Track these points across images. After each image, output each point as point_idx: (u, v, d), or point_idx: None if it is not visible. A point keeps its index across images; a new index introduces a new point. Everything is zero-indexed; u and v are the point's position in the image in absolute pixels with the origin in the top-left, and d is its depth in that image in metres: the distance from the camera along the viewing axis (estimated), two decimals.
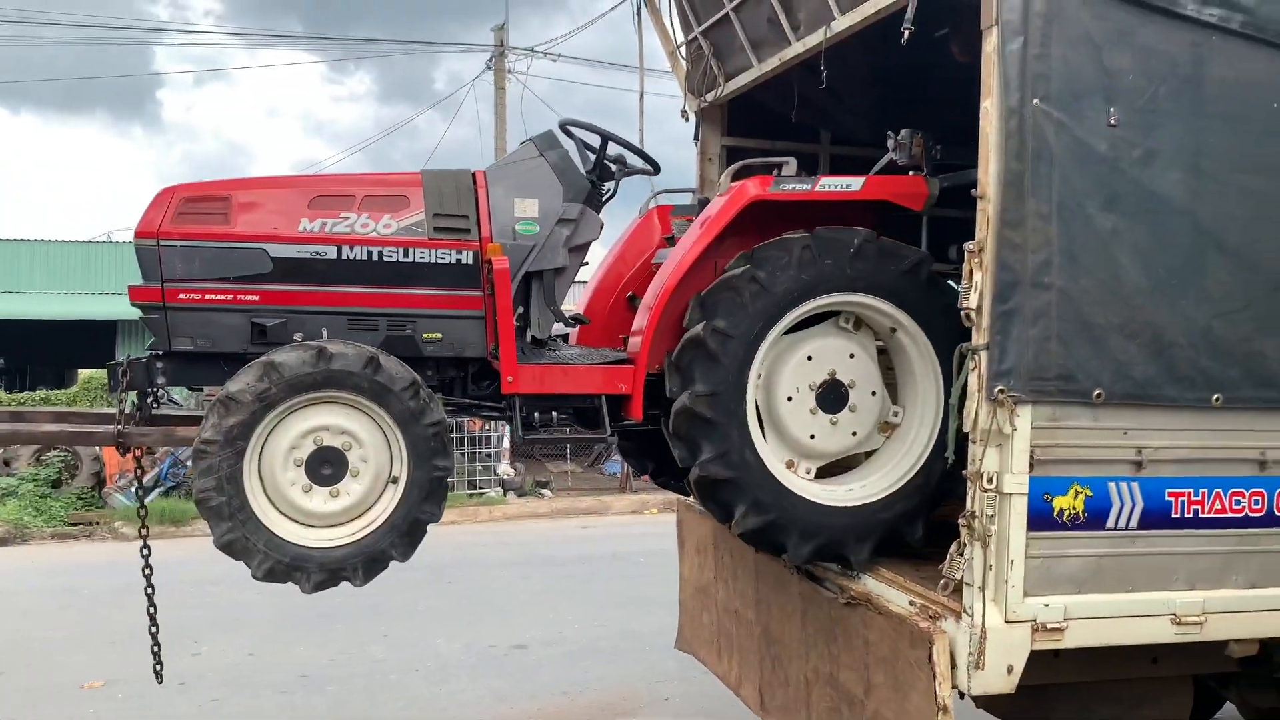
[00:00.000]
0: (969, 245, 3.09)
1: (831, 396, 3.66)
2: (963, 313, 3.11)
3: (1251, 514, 3.38)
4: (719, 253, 3.72)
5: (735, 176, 3.92)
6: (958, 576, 3.12)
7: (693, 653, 5.39)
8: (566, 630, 8.06)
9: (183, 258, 3.43)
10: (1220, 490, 3.35)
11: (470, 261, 3.62)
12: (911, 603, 3.39)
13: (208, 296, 3.43)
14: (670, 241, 4.34)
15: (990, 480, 3.08)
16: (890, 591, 3.53)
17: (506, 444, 16.43)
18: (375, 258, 3.55)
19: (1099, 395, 3.16)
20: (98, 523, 12.70)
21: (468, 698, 6.51)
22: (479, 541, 11.96)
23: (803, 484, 3.65)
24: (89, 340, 22.10)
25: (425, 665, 7.18)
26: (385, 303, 3.57)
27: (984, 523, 3.07)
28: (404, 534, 3.35)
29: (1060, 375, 3.12)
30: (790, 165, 3.97)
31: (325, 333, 3.45)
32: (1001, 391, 3.04)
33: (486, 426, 15.10)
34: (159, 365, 3.54)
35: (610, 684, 6.77)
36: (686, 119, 5.26)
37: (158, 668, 4.00)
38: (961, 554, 3.14)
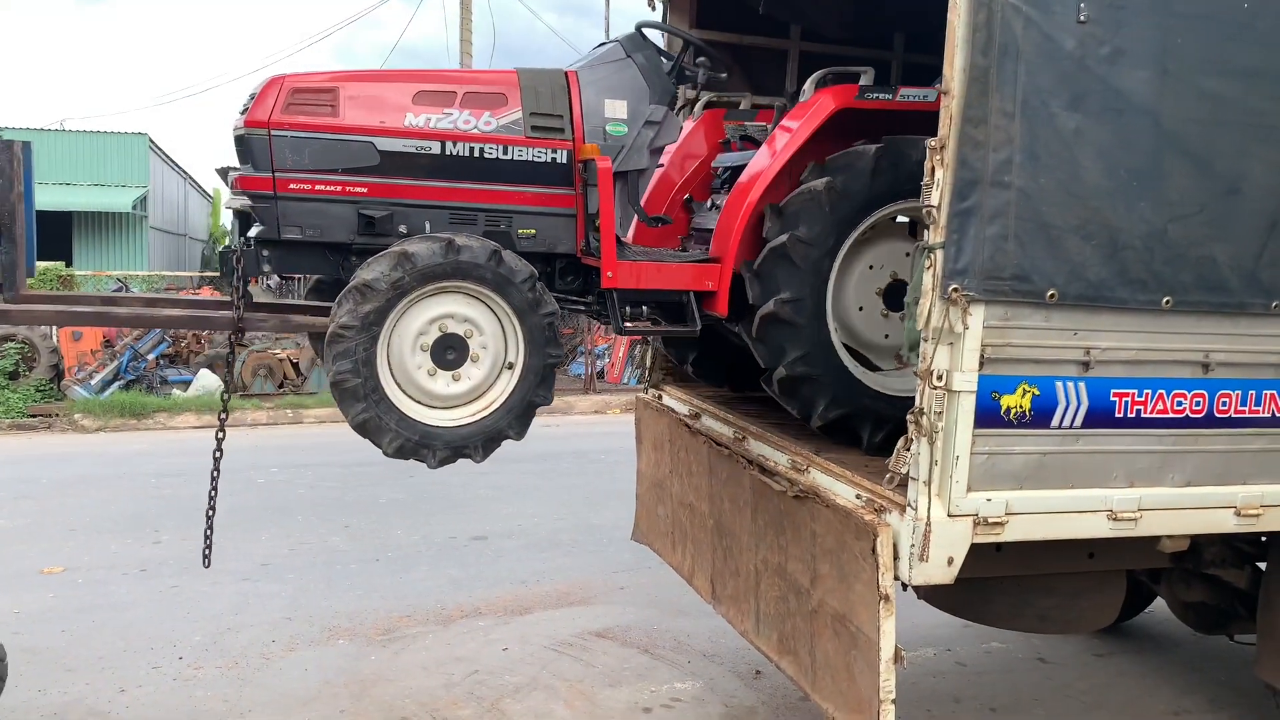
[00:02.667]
0: (930, 141, 3.07)
1: (895, 295, 3.92)
2: (923, 210, 3.10)
3: (1192, 414, 3.46)
4: (792, 159, 3.83)
5: (817, 84, 3.98)
6: (904, 471, 3.19)
7: (648, 544, 5.51)
8: (526, 523, 8.18)
9: (293, 148, 3.49)
10: (1164, 391, 3.42)
11: (564, 161, 3.75)
12: (858, 496, 3.46)
13: (317, 187, 3.51)
14: (725, 146, 4.45)
15: (940, 378, 3.12)
16: (838, 485, 3.61)
17: None
18: (476, 154, 3.65)
19: (1052, 296, 3.18)
20: (57, 414, 12.59)
21: (427, 586, 6.63)
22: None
23: (877, 379, 3.90)
24: (42, 232, 21.52)
25: (385, 555, 7.29)
26: (484, 198, 3.69)
27: (931, 419, 3.12)
28: (520, 415, 3.53)
29: (1015, 275, 3.13)
30: (869, 75, 3.97)
31: (428, 225, 3.60)
32: (955, 290, 3.06)
33: None
34: (265, 254, 3.61)
35: (567, 574, 6.92)
36: (654, 8, 5.12)
37: (206, 552, 4.18)
38: (908, 449, 3.19)
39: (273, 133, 3.48)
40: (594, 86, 3.81)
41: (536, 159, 3.71)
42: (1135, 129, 3.24)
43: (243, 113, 3.56)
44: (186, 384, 14.14)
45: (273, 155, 3.48)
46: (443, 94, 3.65)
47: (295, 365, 14.67)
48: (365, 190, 3.56)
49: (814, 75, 4.01)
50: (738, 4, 5.00)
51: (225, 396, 4.11)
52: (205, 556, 4.20)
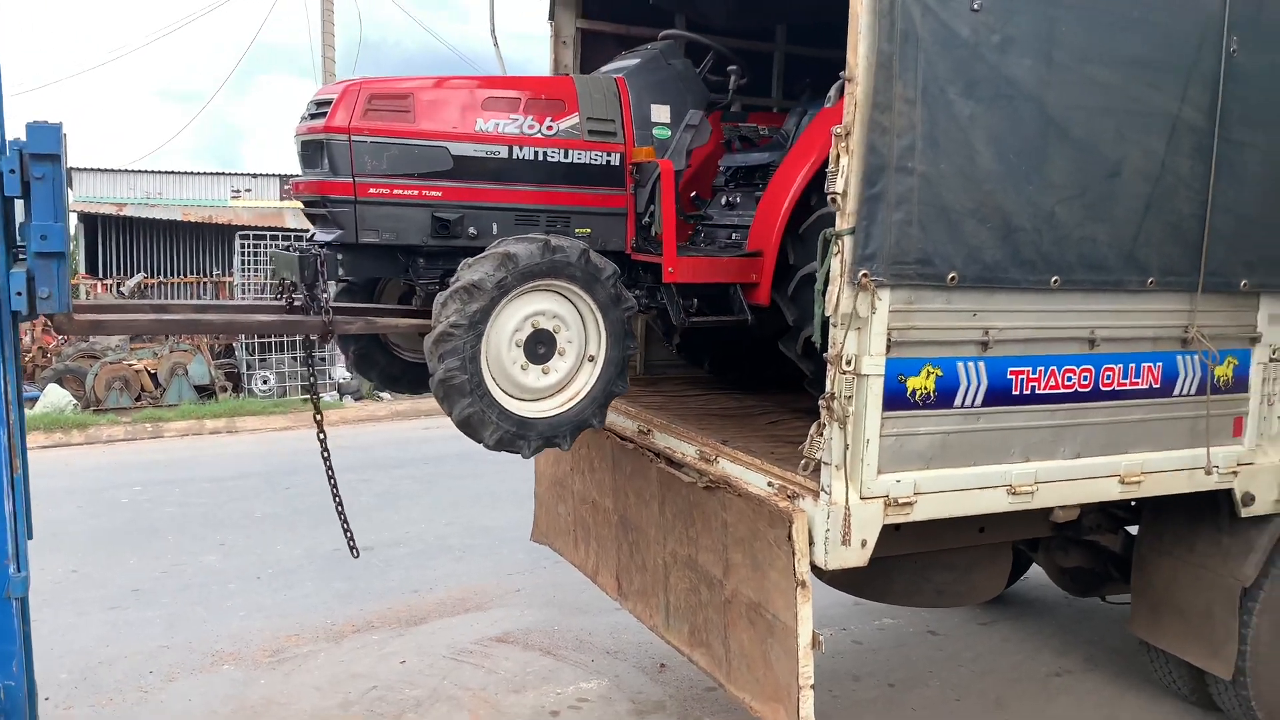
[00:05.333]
0: (836, 129, 3.09)
1: None
2: (829, 197, 3.12)
3: (1080, 389, 3.61)
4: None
5: (842, 90, 3.99)
6: (818, 456, 3.21)
7: (549, 544, 5.41)
8: (413, 530, 7.95)
9: (372, 153, 3.58)
10: (1055, 367, 3.55)
11: (617, 163, 3.96)
12: (770, 484, 3.47)
13: (395, 191, 3.61)
14: (728, 147, 4.65)
15: (849, 363, 3.15)
16: (749, 474, 3.61)
17: (340, 350, 15.86)
18: (540, 158, 3.82)
19: (953, 278, 3.26)
20: None
21: (314, 602, 6.35)
22: (316, 447, 11.55)
23: None
24: None
25: (266, 572, 6.95)
26: (545, 200, 3.85)
27: (842, 404, 3.15)
28: (601, 404, 3.65)
29: (919, 259, 3.19)
30: None
31: (495, 227, 3.75)
32: (865, 276, 3.10)
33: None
34: (340, 257, 3.67)
35: (461, 580, 6.75)
36: None
37: (351, 543, 4.45)
38: (821, 434, 3.21)
39: (353, 138, 3.55)
40: (639, 92, 4.02)
41: (593, 161, 3.92)
42: (1024, 115, 3.35)
43: (314, 117, 3.65)
44: (33, 400, 13.20)
45: (353, 160, 3.55)
46: (509, 100, 3.80)
47: (153, 376, 13.89)
48: (440, 194, 3.67)
49: (838, 81, 4.06)
50: None
51: (316, 398, 4.15)
52: (352, 548, 4.46)
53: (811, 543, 3.25)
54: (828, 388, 3.18)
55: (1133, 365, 3.71)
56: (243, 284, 15.39)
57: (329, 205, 3.61)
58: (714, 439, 3.96)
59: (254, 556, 7.25)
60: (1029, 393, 3.51)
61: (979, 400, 3.41)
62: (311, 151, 3.68)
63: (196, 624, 5.98)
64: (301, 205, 3.90)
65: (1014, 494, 3.51)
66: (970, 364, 3.38)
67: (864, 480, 3.21)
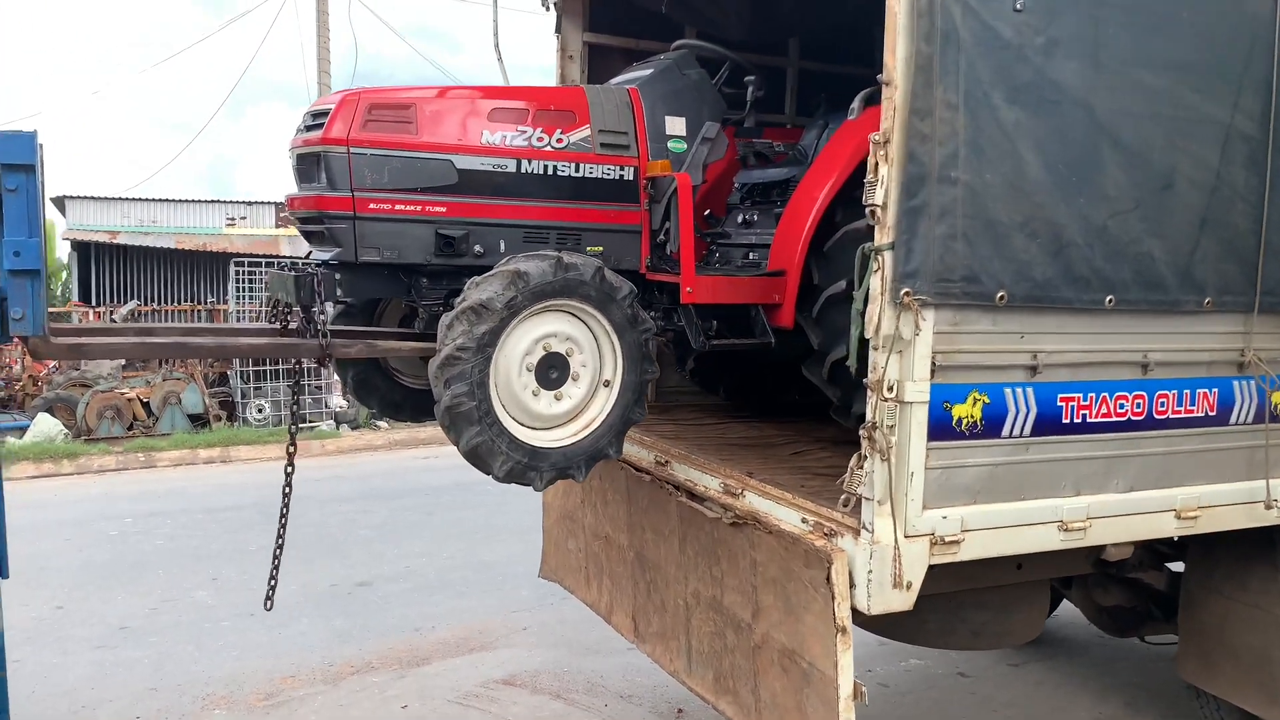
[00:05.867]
0: (875, 136, 2.86)
1: None
2: (867, 210, 2.89)
3: (1134, 417, 3.36)
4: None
5: (865, 102, 3.93)
6: (859, 491, 2.95)
7: (558, 581, 5.14)
8: (413, 564, 7.67)
9: (372, 166, 3.38)
10: (1106, 394, 3.31)
11: (631, 177, 3.76)
12: (804, 520, 3.21)
13: (397, 207, 3.41)
14: (743, 162, 4.39)
15: (890, 389, 2.91)
16: (779, 509, 3.35)
17: (337, 375, 15.61)
18: (550, 172, 3.63)
19: (1001, 298, 3.02)
20: None
21: (311, 640, 6.07)
22: (312, 477, 11.26)
23: None
24: None
25: (261, 608, 6.63)
26: (556, 216, 3.65)
27: (884, 434, 2.91)
28: (619, 433, 3.43)
29: (965, 277, 2.96)
30: None
31: (503, 245, 3.54)
32: (907, 294, 2.86)
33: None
34: (338, 277, 3.47)
35: (464, 617, 6.47)
36: (547, 8, 4.82)
37: (270, 593, 4.10)
38: (861, 467, 2.96)
39: (352, 150, 3.35)
40: (653, 103, 3.82)
41: (605, 176, 3.71)
42: (1072, 121, 3.13)
43: (310, 129, 3.45)
44: (22, 430, 12.92)
45: (352, 174, 3.35)
46: (516, 111, 3.60)
47: (145, 404, 13.62)
48: (444, 210, 3.48)
49: (862, 93, 3.93)
50: (635, 6, 4.76)
51: (294, 429, 3.86)
52: (268, 598, 4.11)
53: (852, 585, 2.99)
54: (868, 416, 2.93)
55: (1187, 392, 3.47)
56: (238, 311, 15.16)
57: (326, 222, 3.40)
58: (738, 471, 3.70)
59: (248, 592, 6.97)
60: (1080, 421, 3.26)
61: (1028, 429, 3.16)
62: (308, 165, 3.47)
63: (187, 664, 5.70)
64: (297, 223, 3.67)
65: (1066, 531, 3.26)
66: (1019, 390, 3.13)
67: (908, 517, 2.95)
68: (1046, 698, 5.29)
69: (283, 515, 3.96)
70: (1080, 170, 3.16)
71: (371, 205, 3.38)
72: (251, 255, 16.27)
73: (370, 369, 4.07)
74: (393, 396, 4.15)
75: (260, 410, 14.45)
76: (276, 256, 16.78)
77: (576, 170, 3.66)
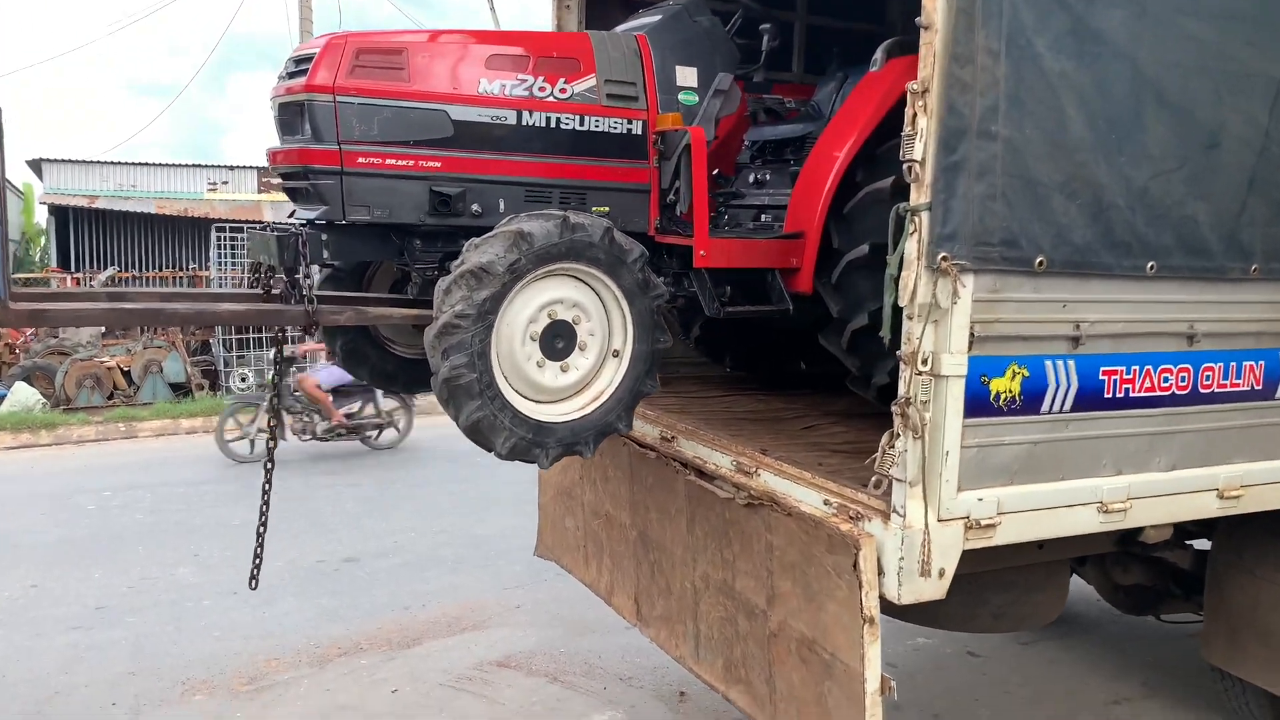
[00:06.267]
0: (912, 85, 2.61)
1: None
2: (904, 167, 2.64)
3: (1178, 391, 3.15)
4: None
5: (888, 53, 3.67)
6: (890, 472, 2.73)
7: (555, 559, 4.92)
8: (402, 539, 7.45)
9: (361, 117, 3.13)
10: (1150, 367, 3.09)
11: (640, 132, 3.51)
12: (826, 502, 2.99)
13: (388, 161, 3.17)
14: (753, 119, 4.15)
15: (925, 361, 2.68)
16: (799, 490, 3.13)
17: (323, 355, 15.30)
18: (553, 125, 3.38)
19: (1041, 263, 2.79)
20: None
21: (297, 620, 5.85)
22: (297, 447, 11.04)
23: None
24: None
25: (244, 587, 6.40)
26: (559, 173, 3.42)
27: (919, 410, 2.68)
28: (629, 406, 3.23)
29: (1004, 240, 2.73)
30: None
31: (502, 204, 3.32)
32: (945, 259, 2.62)
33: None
34: (324, 238, 3.24)
35: (455, 595, 6.25)
36: None
37: (254, 571, 3.92)
38: (893, 446, 2.74)
39: (339, 99, 3.10)
40: (663, 52, 3.57)
41: (612, 129, 3.46)
42: (1115, 74, 2.89)
43: (293, 76, 3.21)
44: (0, 399, 12.60)
45: (339, 125, 3.10)
46: (515, 58, 3.35)
47: (126, 373, 13.31)
48: (439, 165, 3.24)
49: (884, 44, 3.67)
50: None
51: (275, 401, 3.66)
52: (253, 577, 3.94)
53: (880, 572, 2.78)
54: (901, 391, 2.70)
55: (1234, 364, 3.25)
56: (219, 278, 14.80)
57: (311, 177, 3.15)
58: (751, 448, 3.48)
59: (231, 569, 6.74)
60: (1122, 396, 3.04)
61: (1068, 405, 2.94)
62: (290, 115, 3.21)
63: (166, 647, 5.47)
64: (279, 179, 3.41)
65: (1105, 512, 3.05)
66: (1059, 363, 2.91)
67: (942, 499, 2.73)
68: (1060, 678, 5.13)
69: (265, 491, 3.78)
70: (1122, 127, 2.92)
71: (360, 159, 3.14)
72: (234, 221, 15.88)
73: (360, 338, 3.84)
74: (384, 367, 3.92)
75: (244, 379, 14.13)
76: (259, 222, 16.38)
77: (581, 123, 3.41)
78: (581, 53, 3.44)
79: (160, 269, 19.32)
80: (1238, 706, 4.38)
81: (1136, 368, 3.06)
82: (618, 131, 3.47)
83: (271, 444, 3.65)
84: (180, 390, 13.71)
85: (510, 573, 6.58)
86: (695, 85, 3.61)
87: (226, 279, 14.66)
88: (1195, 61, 3.03)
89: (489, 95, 3.28)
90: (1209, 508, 3.30)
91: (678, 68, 3.58)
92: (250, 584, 3.91)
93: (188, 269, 18.86)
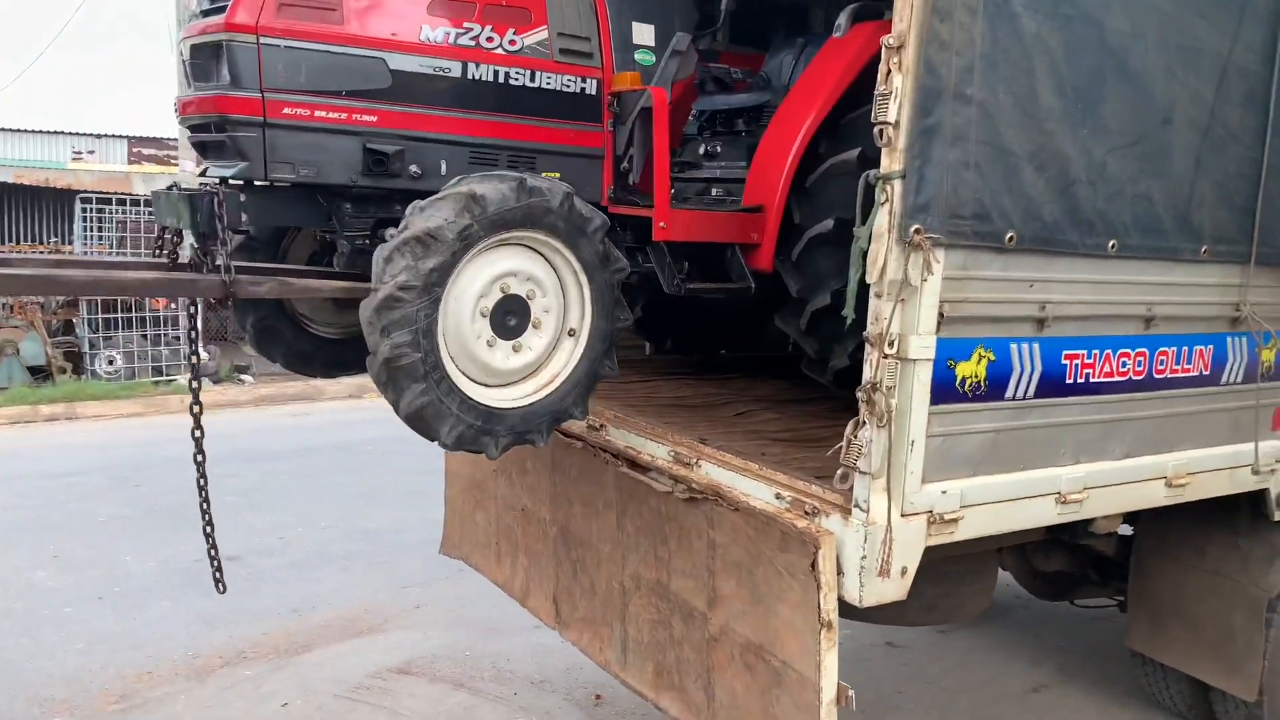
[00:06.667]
0: (888, 39, 2.38)
1: None
2: (875, 130, 2.41)
3: (1134, 377, 3.04)
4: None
5: (853, 18, 3.45)
6: (857, 464, 2.50)
7: (463, 558, 4.58)
8: (288, 535, 6.95)
9: (286, 62, 2.80)
10: (1110, 351, 2.97)
11: (594, 92, 3.26)
12: (779, 496, 2.76)
13: (317, 114, 2.84)
14: (702, 88, 3.86)
15: (892, 344, 2.46)
16: (745, 482, 2.89)
17: (199, 324, 14.43)
18: (500, 79, 3.10)
19: (1011, 239, 2.62)
20: None
21: (172, 627, 5.33)
22: (171, 436, 10.24)
23: None
24: None
25: (111, 591, 5.85)
26: (507, 133, 3.14)
27: (885, 396, 2.46)
28: (585, 390, 2.98)
29: (976, 214, 2.54)
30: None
31: (444, 165, 3.03)
32: (918, 231, 2.41)
33: (173, 304, 13.10)
34: (242, 198, 2.90)
35: (348, 595, 5.82)
36: None
37: (218, 575, 3.51)
38: (857, 436, 2.52)
39: (262, 40, 2.76)
40: (619, 6, 3.31)
41: (565, 88, 3.19)
42: (1083, 40, 2.75)
43: (208, 15, 2.87)
44: None
45: (262, 70, 2.76)
46: (462, 4, 3.04)
47: None
48: (375, 119, 2.92)
49: (849, 8, 3.46)
50: None
51: (195, 385, 3.24)
52: (217, 581, 3.53)
53: (840, 572, 2.56)
54: (866, 375, 2.48)
55: (1185, 349, 3.16)
56: (84, 253, 13.75)
57: (229, 129, 2.80)
58: (688, 436, 3.22)
59: (96, 571, 6.14)
60: (1083, 381, 2.91)
61: (1031, 390, 2.78)
62: (204, 59, 2.85)
63: (21, 662, 4.89)
64: (189, 131, 3.02)
65: (1063, 503, 2.91)
66: (1024, 346, 2.75)
67: (906, 492, 2.53)
68: (979, 667, 5.06)
69: (201, 487, 3.42)
70: (1086, 97, 2.78)
71: (285, 110, 2.80)
72: (100, 193, 14.80)
73: (275, 315, 3.47)
74: (300, 347, 3.56)
75: (111, 362, 13.20)
76: (129, 194, 15.34)
77: (531, 80, 3.13)
78: (533, 2, 3.15)
79: (19, 242, 17.94)
80: (1158, 691, 4.36)
81: (1097, 352, 2.93)
82: (570, 90, 3.20)
83: (198, 432, 3.25)
84: (40, 374, 12.70)
85: (407, 569, 6.18)
86: (653, 44, 3.36)
87: (92, 253, 13.64)
88: (1156, 32, 2.91)
89: (432, 43, 2.98)
90: (1157, 496, 3.21)
91: (634, 24, 3.32)
92: (217, 588, 3.55)
93: (49, 242, 17.57)
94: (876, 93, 2.40)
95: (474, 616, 5.41)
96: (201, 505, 3.41)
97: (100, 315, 13.27)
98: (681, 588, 3.10)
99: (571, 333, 2.92)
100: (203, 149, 3.00)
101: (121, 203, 13.86)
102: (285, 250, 3.50)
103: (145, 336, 13.62)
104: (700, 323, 4.44)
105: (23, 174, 18.53)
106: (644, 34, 3.34)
